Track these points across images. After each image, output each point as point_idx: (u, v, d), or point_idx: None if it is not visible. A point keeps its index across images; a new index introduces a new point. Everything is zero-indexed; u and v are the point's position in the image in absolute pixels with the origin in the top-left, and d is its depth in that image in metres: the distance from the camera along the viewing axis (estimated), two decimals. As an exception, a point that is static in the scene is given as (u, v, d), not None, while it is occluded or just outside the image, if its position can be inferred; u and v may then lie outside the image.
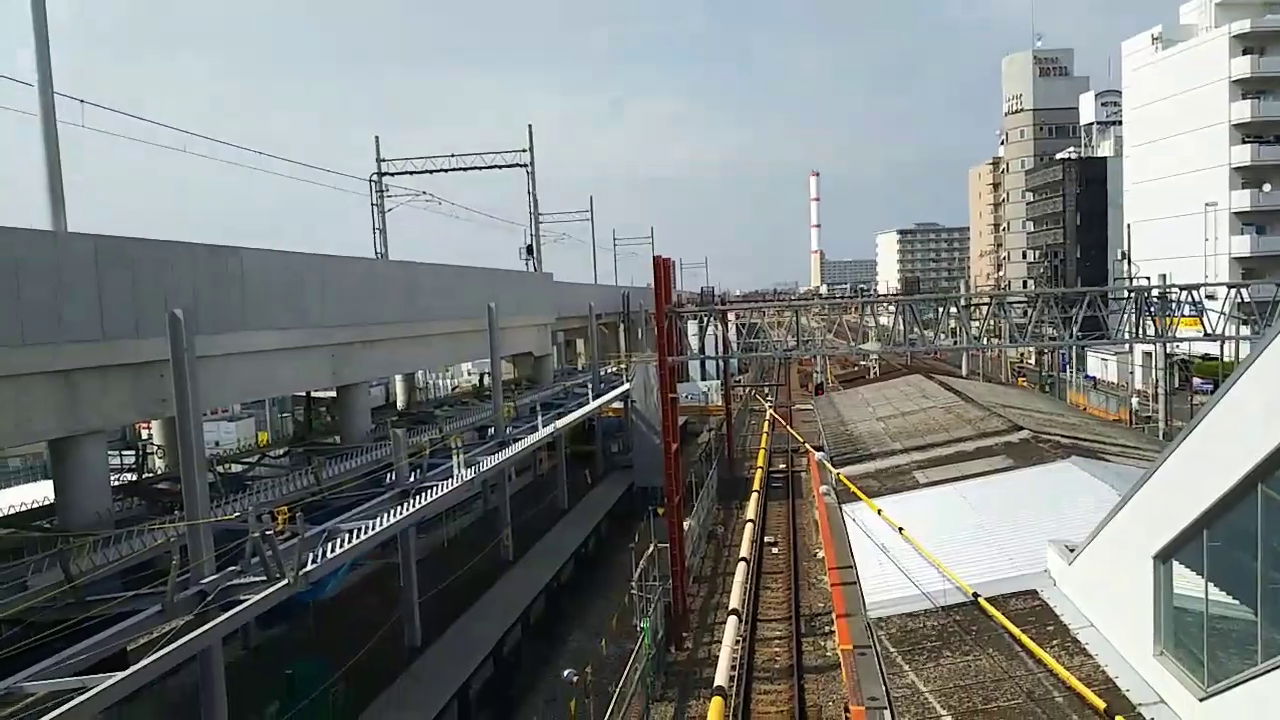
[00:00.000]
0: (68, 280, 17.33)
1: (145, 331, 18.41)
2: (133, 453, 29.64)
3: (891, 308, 33.66)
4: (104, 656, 14.18)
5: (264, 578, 15.68)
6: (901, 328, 30.85)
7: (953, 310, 31.42)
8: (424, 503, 21.22)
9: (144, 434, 34.86)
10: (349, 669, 20.73)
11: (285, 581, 15.58)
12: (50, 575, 16.06)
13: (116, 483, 22.13)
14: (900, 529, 21.42)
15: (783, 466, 48.95)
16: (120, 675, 12.77)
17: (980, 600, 16.74)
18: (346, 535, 18.22)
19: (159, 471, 26.32)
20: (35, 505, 23.01)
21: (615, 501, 40.17)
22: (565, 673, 24.28)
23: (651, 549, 25.26)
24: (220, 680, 15.36)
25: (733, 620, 21.02)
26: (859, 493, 25.65)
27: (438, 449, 26.58)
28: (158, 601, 14.88)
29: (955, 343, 36.65)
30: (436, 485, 22.70)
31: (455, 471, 23.79)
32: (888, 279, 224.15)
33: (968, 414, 37.40)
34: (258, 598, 15.74)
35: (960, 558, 18.98)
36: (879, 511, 23.46)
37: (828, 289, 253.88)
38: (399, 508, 20.63)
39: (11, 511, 22.16)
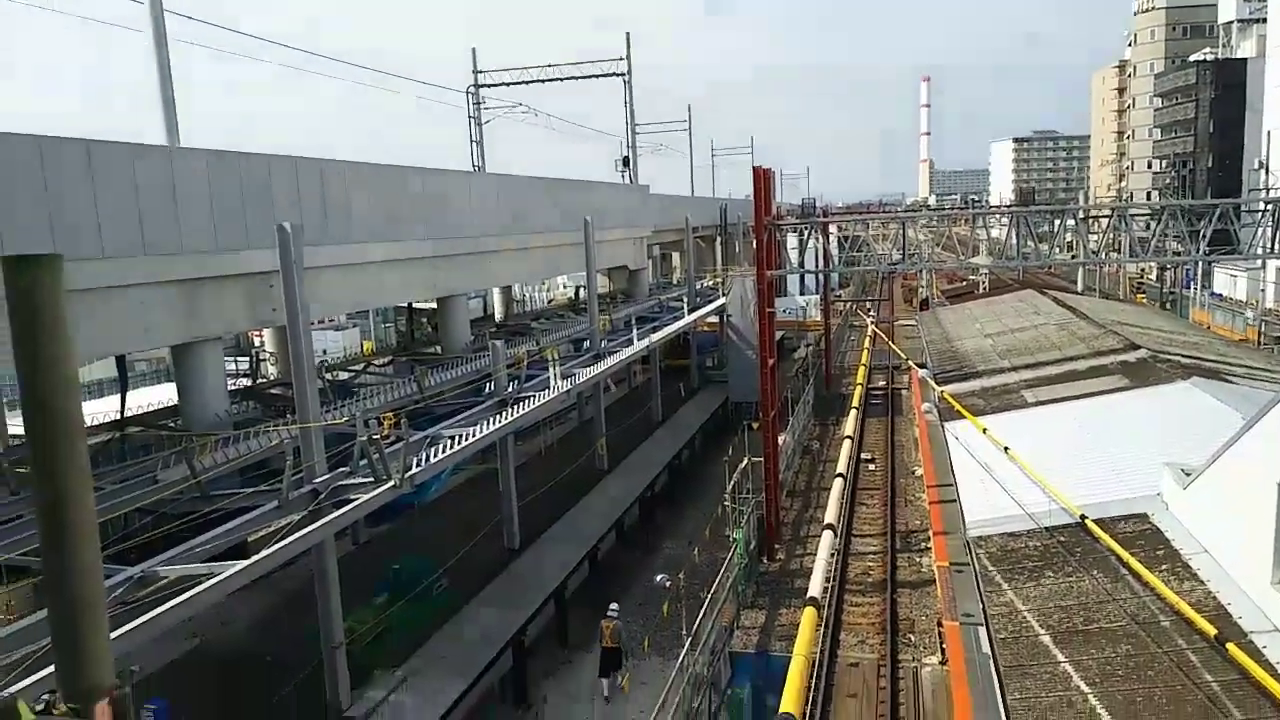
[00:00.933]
0: (183, 194, 17.97)
1: (256, 243, 19.03)
2: (247, 359, 31.06)
3: (1004, 220, 32.14)
4: (227, 547, 15.12)
5: (371, 479, 16.36)
6: (1014, 241, 29.44)
7: (1070, 223, 29.79)
8: (521, 412, 21.66)
9: (256, 342, 36.44)
10: (451, 567, 21.67)
11: (391, 483, 16.22)
12: (177, 471, 17.11)
13: (232, 387, 23.26)
14: (1005, 448, 20.83)
15: (882, 384, 48.08)
16: (243, 564, 13.61)
17: (1087, 522, 16.21)
18: (448, 441, 18.78)
19: (271, 378, 27.55)
20: (161, 406, 24.42)
21: (709, 416, 40.31)
22: (658, 577, 24.84)
23: (745, 463, 25.30)
24: (333, 572, 16.24)
25: (828, 534, 21.00)
26: (963, 410, 24.99)
27: (535, 360, 27.00)
28: (274, 498, 15.70)
29: (1072, 257, 34.90)
30: (533, 395, 23.11)
31: (551, 383, 24.16)
32: (1001, 190, 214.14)
33: (1081, 331, 35.78)
34: (366, 497, 16.45)
35: (1067, 479, 18.36)
36: (984, 430, 22.83)
37: (936, 200, 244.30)
38: (497, 416, 21.12)
39: (140, 411, 23.58)
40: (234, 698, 16.47)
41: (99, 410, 21.29)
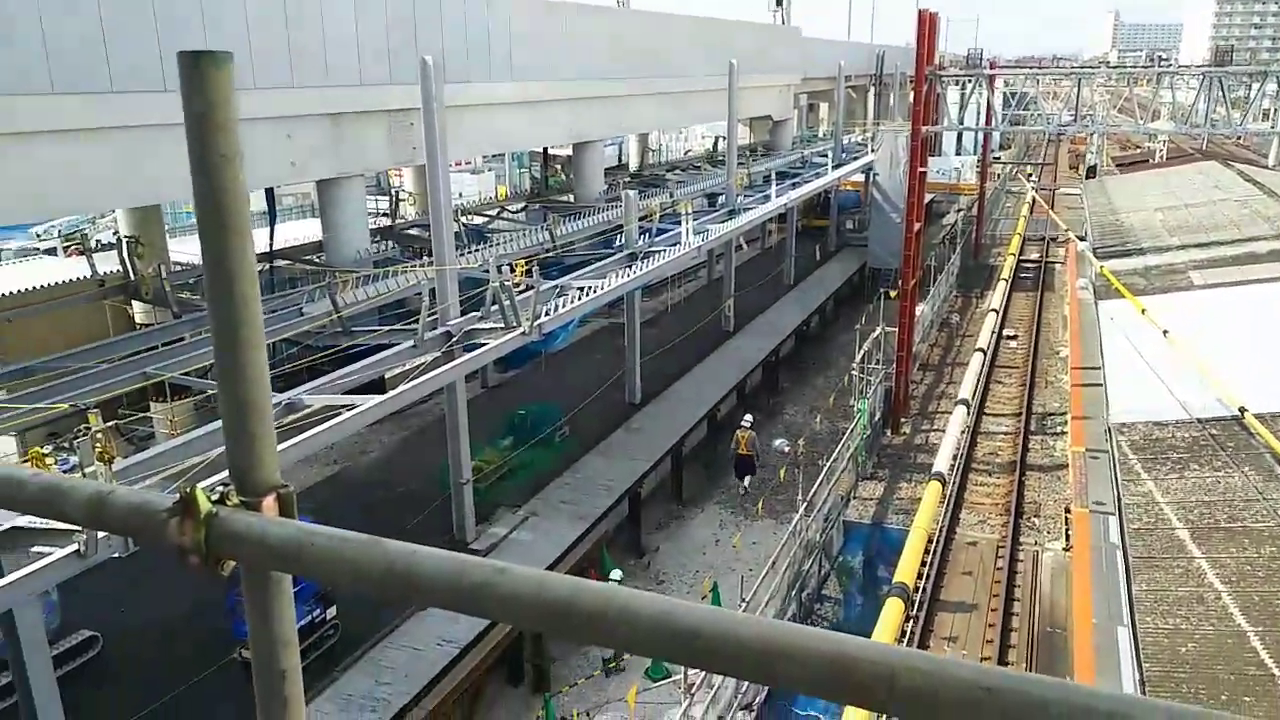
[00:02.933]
0: (330, 27, 17.86)
1: (399, 78, 18.91)
2: (387, 199, 31.68)
3: (1194, 81, 28.68)
4: (366, 381, 15.75)
5: (501, 325, 16.55)
6: (1203, 106, 26.35)
7: (1271, 88, 26.31)
8: (650, 267, 21.35)
9: (396, 182, 37.09)
10: (574, 416, 22.14)
11: (521, 330, 16.37)
12: (320, 306, 17.78)
13: (373, 226, 23.79)
14: (1164, 331, 19.28)
15: (1035, 256, 45.21)
16: (380, 398, 14.15)
17: (1246, 415, 14.96)
18: (576, 292, 18.75)
19: (409, 218, 28.05)
20: (306, 242, 25.31)
21: (844, 281, 39.00)
22: (777, 442, 24.76)
23: (878, 332, 24.44)
24: (463, 412, 16.73)
25: (960, 410, 20.21)
26: (1122, 289, 23.21)
27: (667, 214, 26.43)
28: (410, 337, 16.13)
29: (1272, 127, 31.11)
30: (664, 251, 22.71)
31: (683, 238, 23.63)
32: (1194, 49, 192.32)
33: (1267, 210, 32.28)
34: (496, 342, 16.71)
35: (1229, 369, 16.91)
36: (1142, 310, 21.18)
37: (1118, 56, 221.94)
38: (626, 270, 20.90)
39: (287, 246, 24.51)
40: (370, 523, 17.56)
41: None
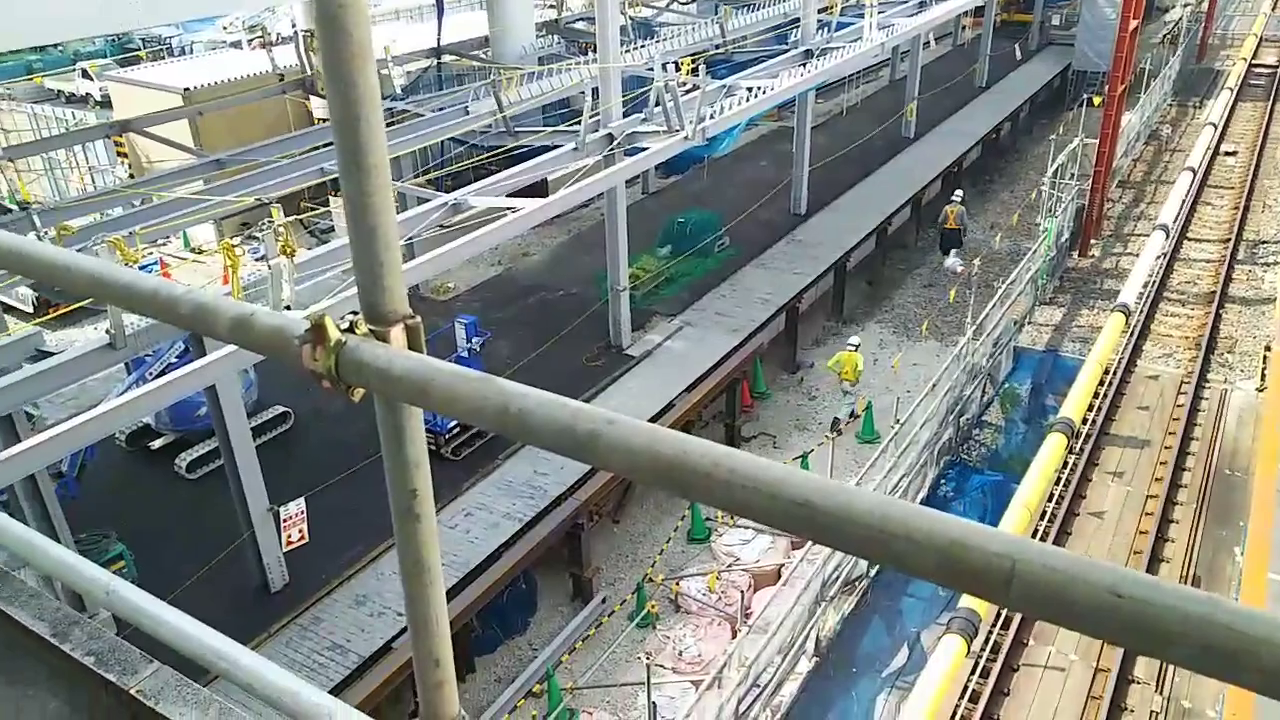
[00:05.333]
0: None
1: None
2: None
3: None
4: (528, 184, 15.95)
5: (664, 128, 16.16)
6: None
7: None
8: (827, 66, 20.01)
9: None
10: (735, 225, 21.79)
11: (683, 133, 15.94)
12: (485, 104, 17.85)
13: (539, 20, 23.24)
14: None
15: (1273, 61, 39.45)
16: (542, 202, 14.32)
17: None
18: (745, 93, 17.91)
19: (575, 11, 27.19)
20: (471, 37, 25.07)
21: (1043, 85, 35.38)
22: (950, 259, 23.69)
23: (1076, 143, 22.35)
24: (622, 217, 16.75)
25: (1158, 235, 18.49)
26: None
27: (849, 6, 24.44)
28: (572, 139, 16.04)
29: None
30: (843, 48, 21.16)
31: (865, 34, 21.87)
32: None
33: None
34: (658, 146, 16.39)
35: None
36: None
37: None
38: (800, 68, 19.71)
39: (454, 41, 24.39)
40: (532, 322, 18.31)
41: (419, 42, 22.22)
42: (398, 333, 1.55)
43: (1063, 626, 1.06)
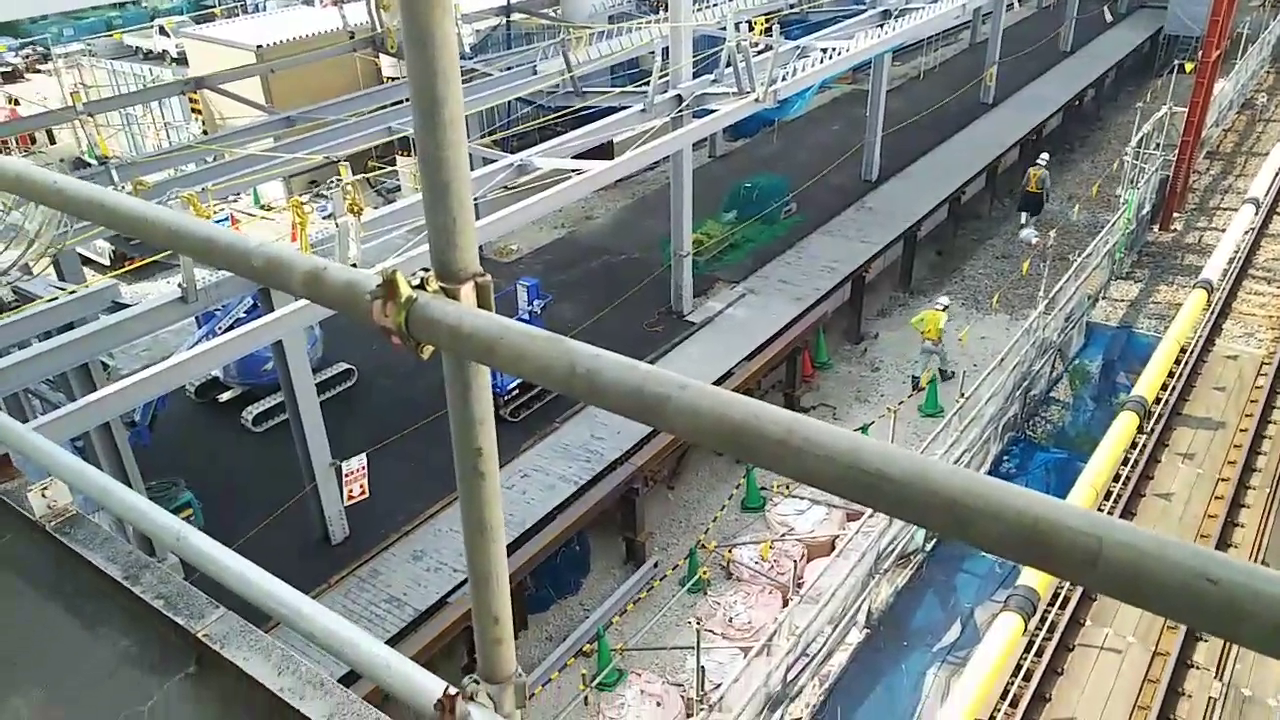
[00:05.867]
0: None
1: None
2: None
3: None
4: (594, 145, 15.87)
5: (734, 90, 15.90)
6: None
7: None
8: (905, 28, 19.45)
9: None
10: (803, 191, 21.43)
11: (754, 96, 15.67)
12: (554, 64, 17.76)
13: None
14: None
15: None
16: (608, 164, 14.26)
17: None
18: (819, 54, 17.51)
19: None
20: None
21: (1132, 49, 33.90)
22: (1025, 231, 23.03)
23: (1164, 111, 21.42)
24: (688, 181, 16.57)
25: (1247, 209, 17.70)
26: None
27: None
28: (640, 100, 15.89)
29: None
30: (922, 8, 20.52)
31: (945, -6, 21.19)
32: None
33: None
34: (727, 109, 16.17)
35: None
36: None
37: None
38: (877, 30, 19.19)
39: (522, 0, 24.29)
40: (593, 286, 18.31)
41: (488, 1, 22.14)
42: (468, 290, 1.54)
43: (1150, 610, 1.01)
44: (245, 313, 12.77)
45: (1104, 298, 20.11)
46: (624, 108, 16.69)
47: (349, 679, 8.28)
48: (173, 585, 2.76)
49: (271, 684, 2.45)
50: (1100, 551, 1.00)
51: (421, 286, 1.52)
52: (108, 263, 20.05)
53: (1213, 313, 18.53)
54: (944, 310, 17.96)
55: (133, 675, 2.54)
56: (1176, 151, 22.43)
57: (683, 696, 11.81)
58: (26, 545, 2.97)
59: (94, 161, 15.10)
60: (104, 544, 2.92)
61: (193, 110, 25.77)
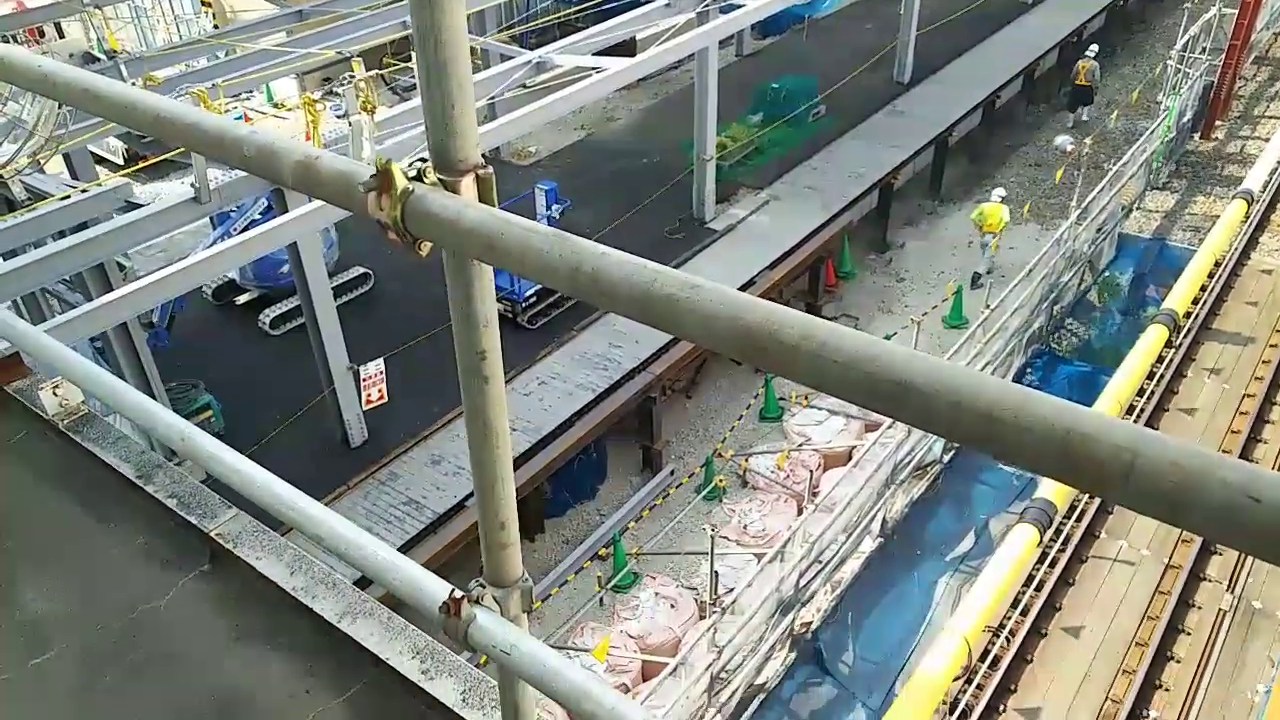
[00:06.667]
0: None
1: None
2: None
3: None
4: (615, 42, 15.39)
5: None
6: None
7: None
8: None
9: None
10: (833, 93, 20.77)
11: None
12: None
13: None
14: None
15: None
16: (630, 62, 13.90)
17: None
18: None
19: None
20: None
21: (1181, -55, 32.22)
22: (1060, 139, 22.34)
23: (1212, 13, 20.48)
24: (712, 82, 15.98)
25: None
26: None
27: None
28: (664, -5, 15.34)
29: None
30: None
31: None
32: None
33: None
34: (755, 4, 15.62)
35: None
36: None
37: None
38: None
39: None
40: (612, 190, 17.96)
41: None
42: (468, 183, 1.45)
43: (1186, 529, 0.95)
44: (260, 214, 12.69)
45: (1138, 208, 19.61)
46: (647, 1, 16.13)
47: (362, 586, 8.48)
48: (186, 486, 2.77)
49: (284, 583, 2.48)
50: (1134, 466, 0.94)
51: (419, 178, 1.43)
52: (121, 162, 19.92)
53: (1251, 225, 18.05)
54: (1002, 201, 17.86)
55: (149, 571, 2.56)
56: (1223, 56, 21.51)
57: (696, 600, 12.07)
58: (40, 443, 2.99)
59: (103, 56, 14.81)
60: (116, 443, 2.93)
61: (203, 3, 25.18)
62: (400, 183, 1.41)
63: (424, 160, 1.46)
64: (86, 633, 2.40)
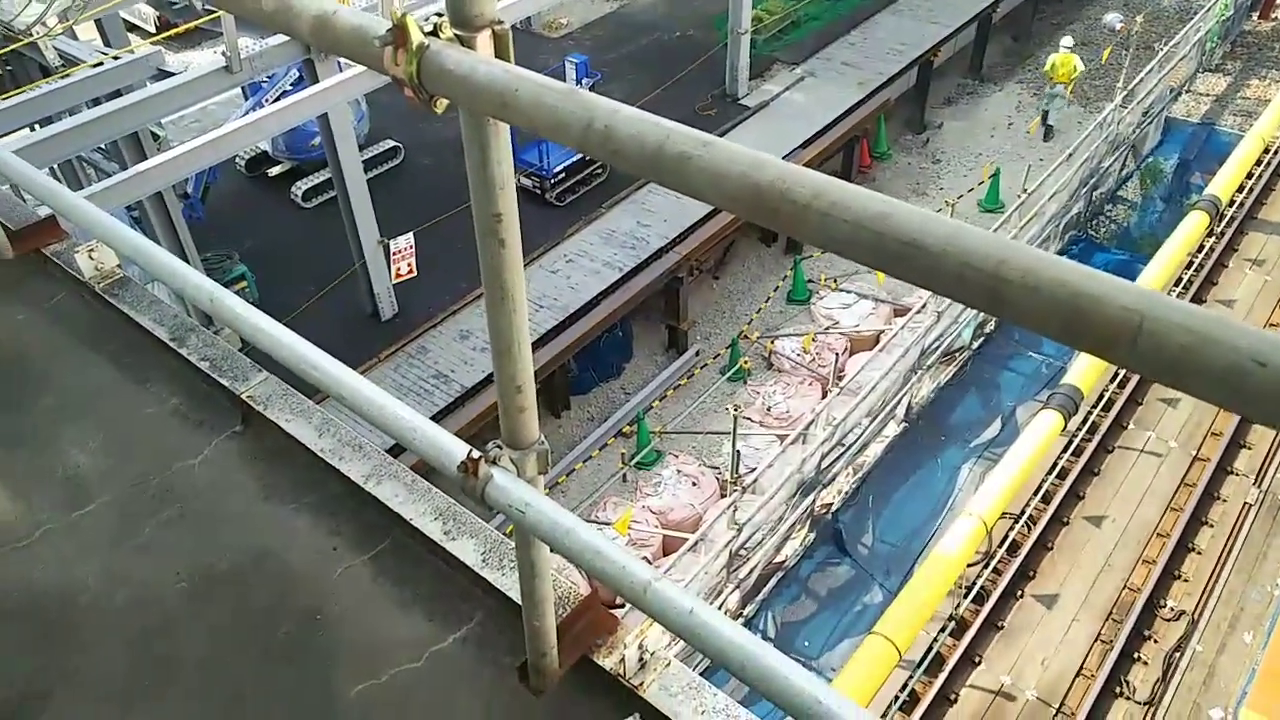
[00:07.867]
0: None
1: None
2: None
3: None
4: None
5: None
6: None
7: None
8: None
9: None
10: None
11: None
12: None
13: None
14: None
15: None
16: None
17: None
18: None
19: None
20: None
21: None
22: (1109, 16, 21.23)
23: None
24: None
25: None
26: None
27: None
28: None
29: None
30: None
31: None
32: None
33: None
34: None
35: None
36: None
37: None
38: None
39: None
40: (645, 64, 17.46)
41: None
42: (484, 39, 1.42)
43: (1190, 394, 0.95)
44: (291, 85, 12.53)
45: (1188, 91, 18.79)
46: None
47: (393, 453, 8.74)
48: (218, 349, 2.84)
49: (312, 444, 2.56)
50: (1141, 328, 0.93)
51: (435, 33, 1.41)
52: (153, 29, 19.62)
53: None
54: (1072, 50, 17.46)
55: (183, 430, 2.66)
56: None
57: (718, 478, 12.31)
58: (77, 304, 3.05)
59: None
60: (150, 306, 2.99)
61: None
62: (416, 37, 1.39)
63: (440, 15, 1.44)
64: (124, 488, 2.50)
